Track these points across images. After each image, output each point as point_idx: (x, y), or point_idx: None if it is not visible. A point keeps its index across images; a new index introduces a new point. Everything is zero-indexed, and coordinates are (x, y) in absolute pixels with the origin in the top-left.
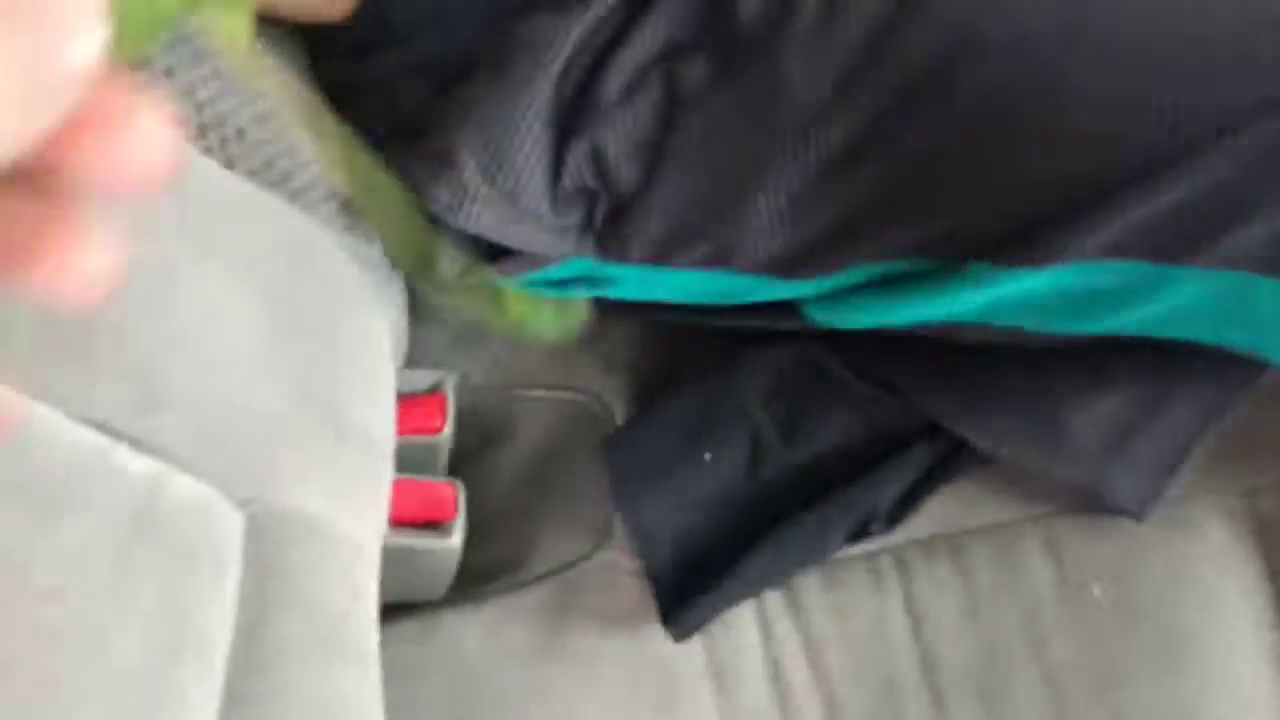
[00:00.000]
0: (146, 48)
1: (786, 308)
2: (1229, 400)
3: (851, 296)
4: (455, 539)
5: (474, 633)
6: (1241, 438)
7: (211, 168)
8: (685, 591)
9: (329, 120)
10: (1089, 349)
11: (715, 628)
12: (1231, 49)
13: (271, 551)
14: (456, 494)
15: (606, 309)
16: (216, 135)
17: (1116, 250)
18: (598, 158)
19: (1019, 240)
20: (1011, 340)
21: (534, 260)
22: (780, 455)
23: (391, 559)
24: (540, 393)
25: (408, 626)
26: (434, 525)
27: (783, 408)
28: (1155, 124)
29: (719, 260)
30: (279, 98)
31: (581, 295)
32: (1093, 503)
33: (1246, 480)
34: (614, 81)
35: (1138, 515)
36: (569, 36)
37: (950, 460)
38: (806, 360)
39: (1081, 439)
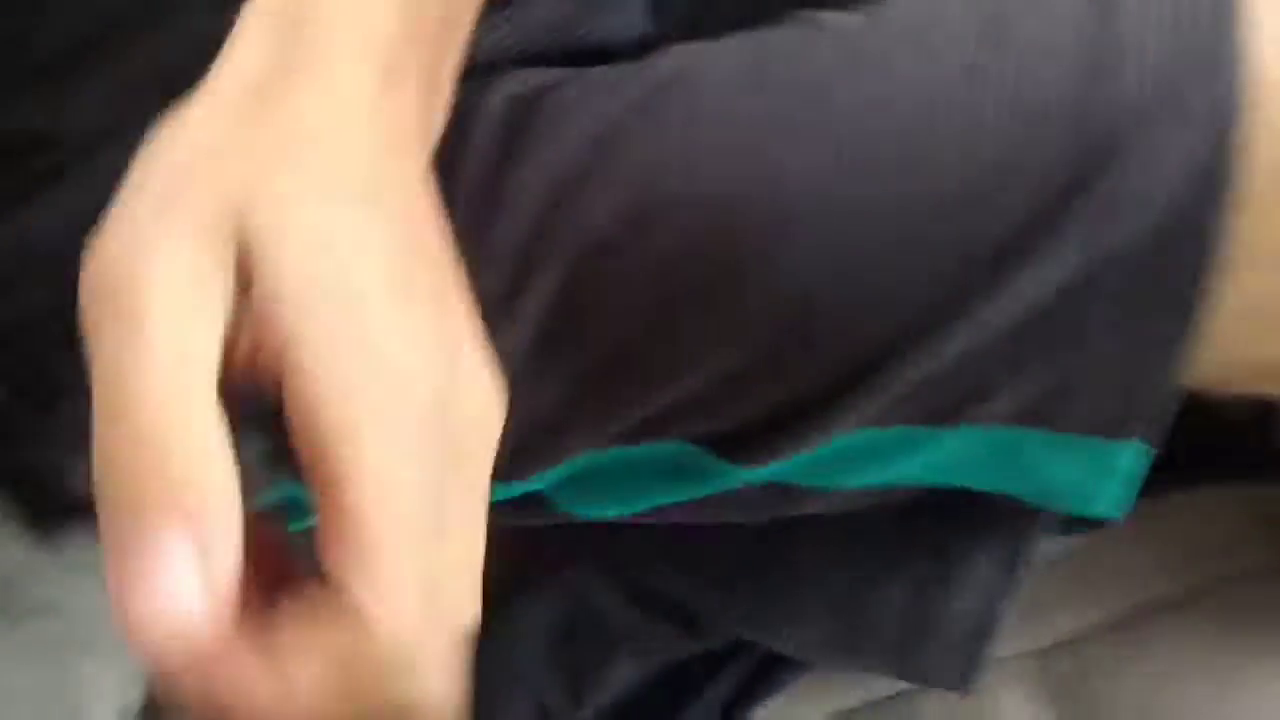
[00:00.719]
0: None
1: (532, 499)
2: (1028, 549)
3: (588, 482)
4: None
5: None
6: (1030, 595)
7: None
8: None
9: None
10: (880, 529)
11: None
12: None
13: None
14: None
15: None
16: None
17: (861, 423)
18: None
19: (738, 437)
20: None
21: None
22: (574, 717)
23: None
24: None
25: None
26: None
27: (565, 666)
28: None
29: None
30: None
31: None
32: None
33: (1038, 639)
34: None
35: (961, 690)
36: None
37: (769, 668)
38: (579, 606)
39: (881, 628)
